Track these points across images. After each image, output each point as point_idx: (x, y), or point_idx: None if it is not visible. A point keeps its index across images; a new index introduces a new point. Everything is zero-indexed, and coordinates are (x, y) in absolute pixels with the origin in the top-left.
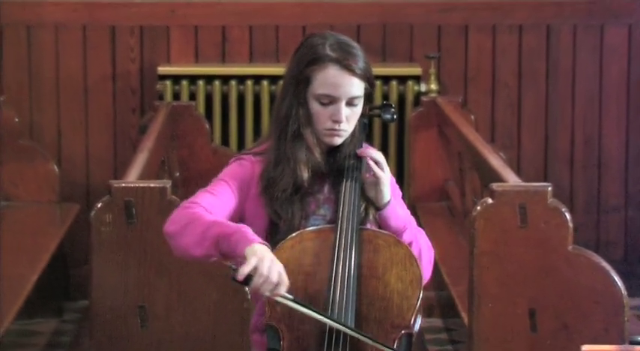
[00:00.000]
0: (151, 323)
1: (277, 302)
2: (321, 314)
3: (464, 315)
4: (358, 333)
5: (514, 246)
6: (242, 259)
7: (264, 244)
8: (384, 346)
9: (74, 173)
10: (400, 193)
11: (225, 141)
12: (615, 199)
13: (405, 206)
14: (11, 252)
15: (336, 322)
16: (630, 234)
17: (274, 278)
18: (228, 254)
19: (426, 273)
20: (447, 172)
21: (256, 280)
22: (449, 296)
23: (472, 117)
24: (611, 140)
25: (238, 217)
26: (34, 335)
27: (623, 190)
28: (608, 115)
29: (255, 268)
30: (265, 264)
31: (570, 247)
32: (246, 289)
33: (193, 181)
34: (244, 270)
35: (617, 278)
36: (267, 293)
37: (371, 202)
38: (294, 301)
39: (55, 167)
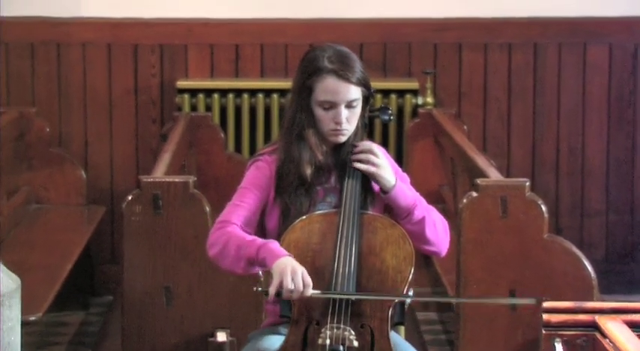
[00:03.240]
0: (175, 302)
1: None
2: (344, 294)
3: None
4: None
5: (496, 234)
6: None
7: (286, 254)
8: (384, 296)
9: (100, 178)
10: (408, 179)
11: (238, 148)
12: (597, 204)
13: (413, 189)
14: (44, 249)
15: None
16: (611, 236)
17: (300, 287)
18: (263, 268)
19: (444, 241)
20: (441, 177)
21: (285, 294)
22: (443, 292)
23: (465, 128)
24: (593, 150)
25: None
26: (63, 326)
27: (605, 195)
28: (591, 127)
29: (281, 284)
30: (288, 278)
31: (546, 235)
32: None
33: (210, 184)
34: (271, 291)
35: (587, 263)
36: (297, 297)
37: (371, 189)
38: (322, 293)
39: (83, 173)
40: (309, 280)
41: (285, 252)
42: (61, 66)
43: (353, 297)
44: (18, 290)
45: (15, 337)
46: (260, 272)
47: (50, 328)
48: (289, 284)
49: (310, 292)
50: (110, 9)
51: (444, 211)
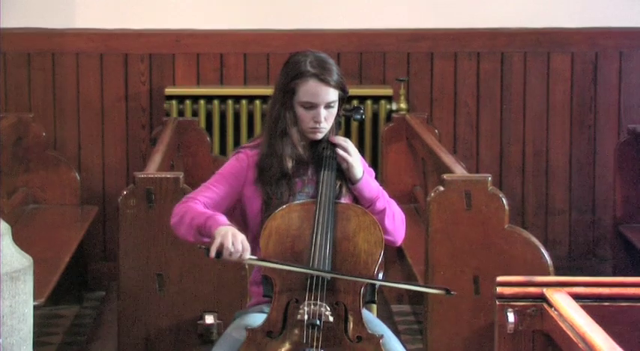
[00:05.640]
0: (167, 288)
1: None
2: (284, 265)
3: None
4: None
5: (461, 225)
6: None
7: (229, 224)
8: (348, 276)
9: (92, 180)
10: (373, 173)
11: (223, 151)
12: (561, 204)
13: (377, 183)
14: (42, 245)
15: (302, 268)
16: (574, 234)
17: (239, 248)
18: (209, 237)
19: (400, 231)
20: (414, 178)
21: (225, 254)
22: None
23: (436, 131)
24: (557, 152)
25: (236, 199)
26: (59, 318)
27: (568, 195)
28: (555, 131)
29: (221, 245)
30: (228, 239)
31: (506, 226)
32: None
33: (197, 185)
34: (212, 249)
35: (544, 251)
36: (237, 260)
37: (345, 180)
38: (259, 259)
39: (77, 175)
40: (247, 245)
41: (228, 222)
42: (56, 74)
43: (280, 266)
44: (31, 267)
45: (28, 309)
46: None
47: (47, 320)
48: (229, 245)
49: (248, 256)
50: (102, 20)
51: (417, 210)
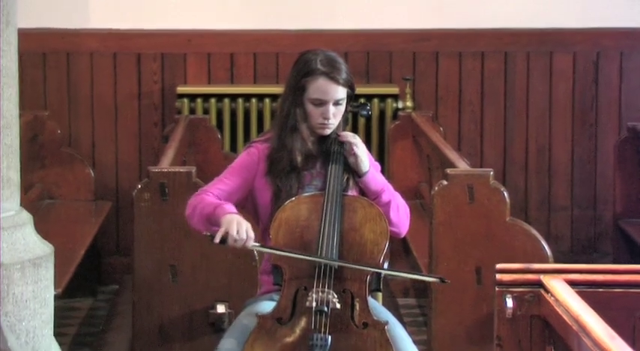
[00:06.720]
0: (180, 278)
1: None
2: (290, 252)
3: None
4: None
5: (464, 217)
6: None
7: (236, 213)
8: (350, 264)
9: (106, 176)
10: (379, 167)
11: (233, 148)
12: (563, 200)
13: (382, 176)
14: (57, 239)
15: (308, 256)
16: (575, 229)
17: (243, 235)
18: (217, 225)
19: (405, 223)
20: (420, 175)
21: (230, 240)
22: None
23: (441, 129)
24: (559, 150)
25: (248, 191)
26: (74, 310)
27: (570, 192)
28: (557, 129)
29: (227, 232)
30: (233, 227)
31: (508, 219)
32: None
33: (208, 181)
34: (217, 235)
35: (544, 243)
36: (240, 246)
37: (352, 173)
38: (262, 246)
39: (91, 171)
40: (252, 233)
41: (236, 211)
42: (71, 73)
43: (283, 253)
44: (52, 254)
45: (50, 295)
46: (255, 252)
47: (62, 312)
48: (234, 233)
49: (252, 243)
50: (115, 21)
51: (422, 206)
